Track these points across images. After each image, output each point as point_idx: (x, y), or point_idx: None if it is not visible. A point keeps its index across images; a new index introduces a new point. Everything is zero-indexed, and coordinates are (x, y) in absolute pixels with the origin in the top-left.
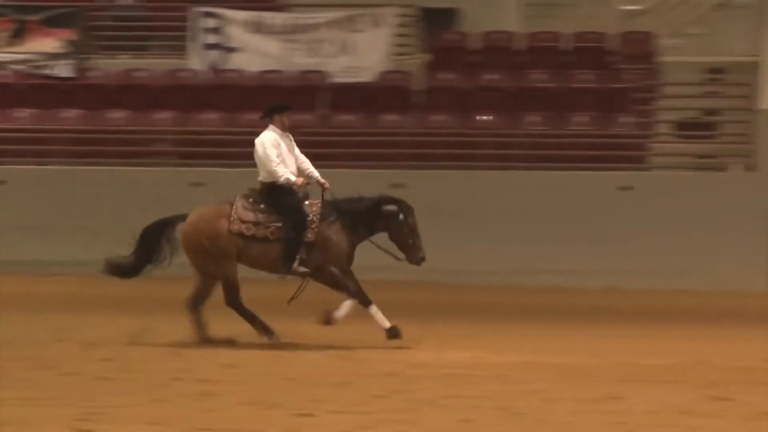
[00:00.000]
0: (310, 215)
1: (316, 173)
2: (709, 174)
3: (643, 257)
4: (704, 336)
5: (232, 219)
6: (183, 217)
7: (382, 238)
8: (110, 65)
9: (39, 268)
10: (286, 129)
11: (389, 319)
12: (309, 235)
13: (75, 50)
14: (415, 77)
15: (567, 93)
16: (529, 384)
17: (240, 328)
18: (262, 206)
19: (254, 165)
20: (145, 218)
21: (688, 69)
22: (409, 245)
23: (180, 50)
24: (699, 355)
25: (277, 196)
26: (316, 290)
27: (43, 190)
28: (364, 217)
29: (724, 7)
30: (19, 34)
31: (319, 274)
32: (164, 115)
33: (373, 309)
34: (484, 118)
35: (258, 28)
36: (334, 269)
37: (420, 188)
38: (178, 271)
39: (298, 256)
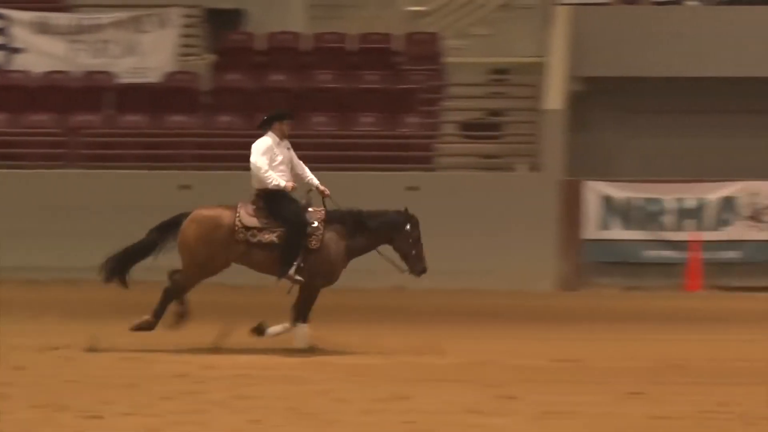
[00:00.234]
0: (315, 222)
1: (315, 180)
2: (494, 174)
3: (430, 257)
4: (491, 335)
5: (236, 227)
6: (187, 216)
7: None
8: None
9: None
10: (285, 137)
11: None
12: (313, 243)
13: None
14: (202, 78)
15: (353, 94)
16: (319, 384)
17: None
18: (265, 212)
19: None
20: None
21: (474, 70)
22: (412, 256)
23: None
24: (485, 355)
25: (277, 203)
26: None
27: None
28: (368, 228)
29: (508, 8)
30: None
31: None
32: None
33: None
34: None
35: (43, 28)
36: (317, 288)
37: (207, 189)
38: None
39: (295, 263)
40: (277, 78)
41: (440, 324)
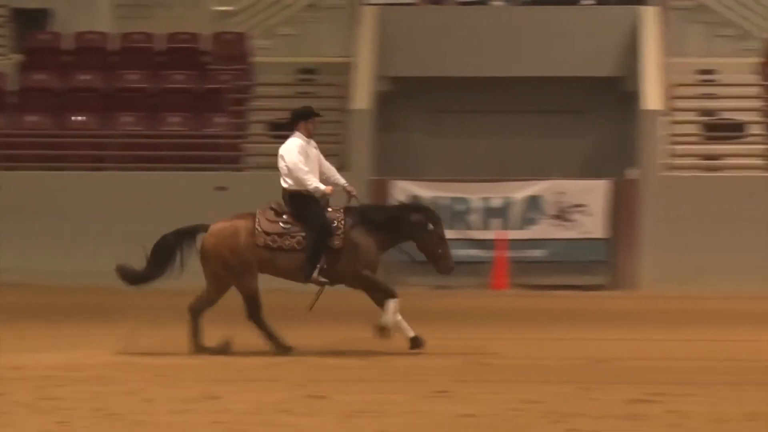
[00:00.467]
0: (335, 222)
1: (342, 180)
2: None
3: None
4: (301, 335)
5: (256, 232)
6: (205, 228)
7: None
8: None
9: None
10: (311, 136)
11: None
12: (336, 242)
13: None
14: (8, 78)
15: (161, 93)
16: (126, 384)
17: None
18: (284, 217)
19: None
20: None
21: (281, 69)
22: (438, 255)
23: None
24: (296, 353)
25: (300, 205)
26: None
27: None
28: (389, 225)
29: (315, 8)
30: None
31: (353, 280)
32: None
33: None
34: (79, 118)
35: None
36: (368, 272)
37: (13, 189)
38: None
39: (318, 265)
40: (85, 78)
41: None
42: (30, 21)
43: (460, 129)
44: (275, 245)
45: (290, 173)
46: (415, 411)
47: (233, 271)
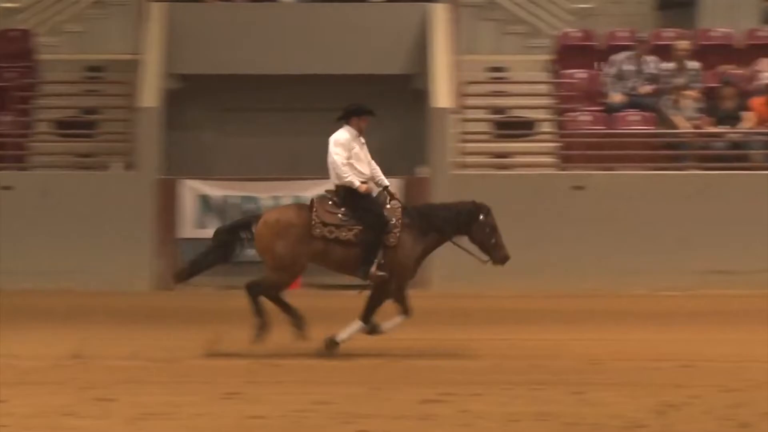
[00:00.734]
0: (393, 219)
1: (385, 181)
2: (89, 173)
3: (26, 257)
4: (86, 336)
5: (313, 222)
6: (258, 218)
7: None
8: None
9: None
10: (361, 132)
11: None
12: (391, 240)
13: None
14: None
15: None
16: None
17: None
18: (343, 209)
19: None
20: None
21: (67, 67)
22: (492, 245)
23: None
24: (78, 354)
25: (358, 199)
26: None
27: None
28: (444, 222)
29: (102, 4)
30: None
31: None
32: None
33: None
34: None
35: None
36: (391, 282)
37: None
38: None
39: (375, 260)
40: None
41: (44, 325)
42: None
43: (250, 127)
44: (332, 236)
45: (330, 165)
46: (205, 413)
47: (280, 261)
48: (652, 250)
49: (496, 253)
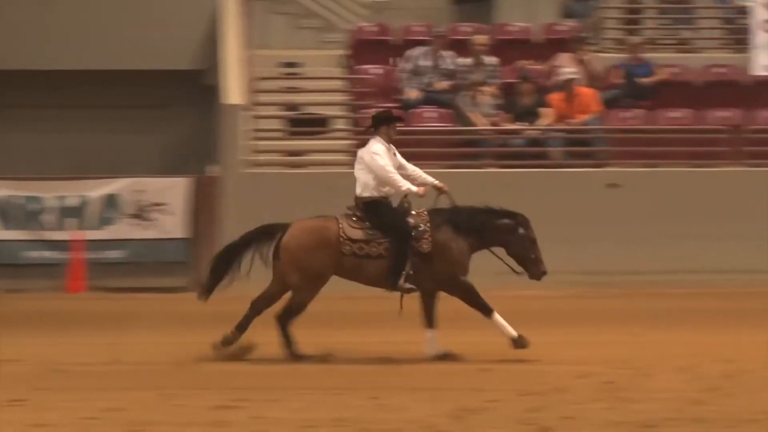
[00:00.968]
0: (421, 225)
1: (430, 178)
2: None
3: None
4: None
5: (342, 240)
6: (284, 227)
7: None
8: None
9: None
10: (391, 141)
11: None
12: (424, 246)
13: None
14: None
15: None
16: None
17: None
18: (367, 223)
19: None
20: None
21: None
22: (530, 260)
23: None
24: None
25: (377, 213)
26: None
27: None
28: (477, 229)
29: None
30: None
31: (450, 285)
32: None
33: (496, 317)
34: None
35: None
36: (465, 280)
37: None
38: None
39: (404, 272)
40: None
41: None
42: None
43: (33, 125)
44: (362, 253)
45: (378, 177)
46: None
47: (305, 275)
48: None
49: (535, 269)
